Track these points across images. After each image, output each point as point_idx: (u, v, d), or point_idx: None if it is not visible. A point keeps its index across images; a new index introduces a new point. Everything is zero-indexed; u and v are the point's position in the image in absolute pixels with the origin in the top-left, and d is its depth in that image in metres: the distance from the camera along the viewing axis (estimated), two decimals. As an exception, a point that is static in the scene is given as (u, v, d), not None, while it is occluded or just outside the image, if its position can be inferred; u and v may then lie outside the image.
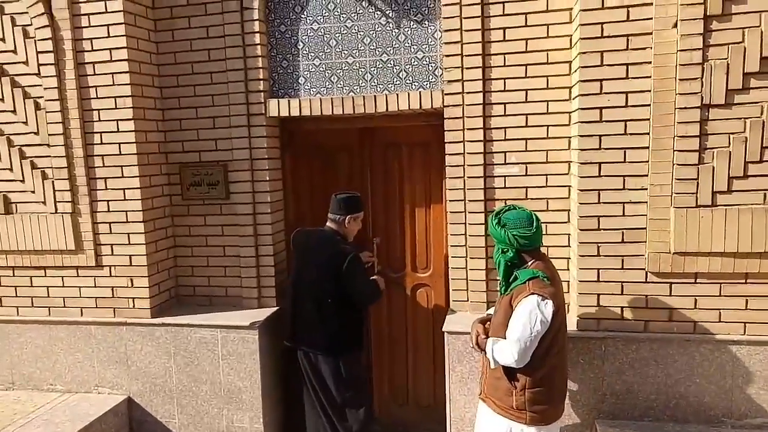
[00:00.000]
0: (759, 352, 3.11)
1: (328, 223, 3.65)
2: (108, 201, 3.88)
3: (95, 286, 4.00)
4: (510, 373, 2.74)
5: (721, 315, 3.12)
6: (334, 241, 3.58)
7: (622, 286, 3.22)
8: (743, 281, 3.07)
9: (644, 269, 3.17)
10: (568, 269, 3.54)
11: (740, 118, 2.95)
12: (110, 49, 3.74)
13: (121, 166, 3.84)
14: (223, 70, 3.91)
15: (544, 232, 3.43)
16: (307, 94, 3.95)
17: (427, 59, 3.74)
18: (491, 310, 3.17)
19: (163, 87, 4.05)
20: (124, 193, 3.86)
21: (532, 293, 2.62)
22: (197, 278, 4.17)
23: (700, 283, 3.12)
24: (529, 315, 2.60)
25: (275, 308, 4.01)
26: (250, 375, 3.83)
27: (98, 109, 3.81)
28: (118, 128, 3.81)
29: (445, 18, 3.52)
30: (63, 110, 3.82)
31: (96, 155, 3.85)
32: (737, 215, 2.98)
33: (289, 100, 3.89)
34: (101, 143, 3.84)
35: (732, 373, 3.15)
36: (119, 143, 3.82)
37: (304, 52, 3.93)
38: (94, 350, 4.05)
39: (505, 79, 3.48)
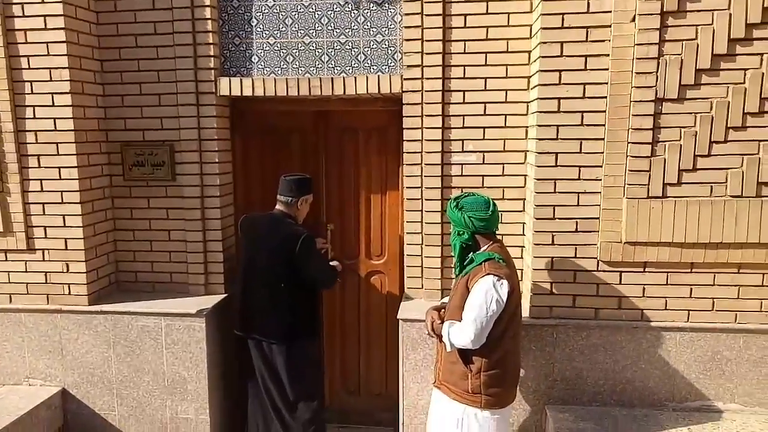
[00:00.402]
0: (700, 338, 3.27)
1: (277, 206, 3.55)
2: (41, 180, 3.65)
3: (26, 271, 3.76)
4: (465, 356, 2.78)
5: (667, 303, 3.27)
6: (285, 223, 3.48)
7: (574, 275, 3.31)
8: (689, 270, 3.22)
9: (596, 258, 3.27)
10: (522, 257, 3.61)
11: (691, 113, 3.07)
12: (45, 16, 3.50)
13: (56, 143, 3.61)
14: (170, 45, 3.73)
15: (499, 221, 3.52)
16: (261, 74, 3.82)
17: (386, 43, 3.70)
18: (446, 299, 3.20)
19: (103, 60, 3.82)
20: (60, 172, 3.63)
21: (488, 273, 2.67)
22: (139, 263, 3.99)
23: (649, 272, 3.25)
24: (485, 295, 2.65)
25: (223, 295, 3.89)
26: (196, 365, 3.71)
27: (30, 81, 3.57)
28: (53, 102, 3.58)
29: (406, 1, 3.49)
30: (-10, 80, 3.55)
31: (28, 130, 3.61)
32: (685, 207, 3.12)
33: (241, 79, 3.75)
34: (34, 117, 3.60)
35: (675, 359, 3.30)
36: (54, 118, 3.59)
37: (258, 29, 3.80)
38: (25, 339, 3.82)
39: (464, 66, 3.49)
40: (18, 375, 3.87)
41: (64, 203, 3.65)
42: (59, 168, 3.63)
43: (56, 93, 3.56)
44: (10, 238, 3.71)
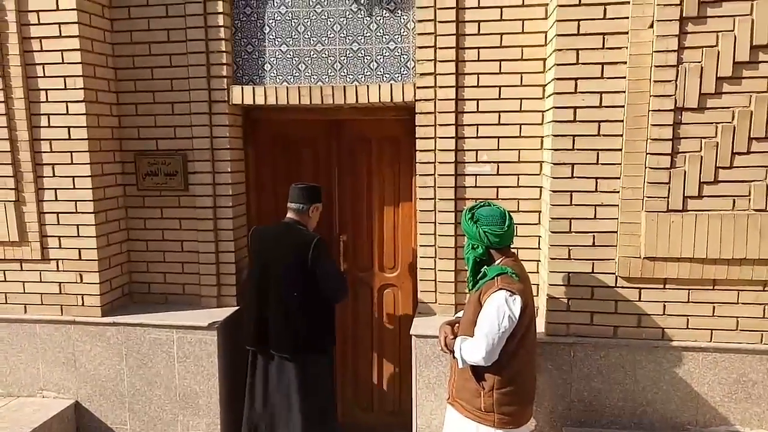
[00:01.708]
0: (724, 359, 3.35)
1: (288, 214, 3.65)
2: (56, 189, 3.93)
3: (41, 281, 4.04)
4: (478, 373, 2.88)
5: (689, 321, 3.35)
6: (297, 229, 3.61)
7: (592, 291, 3.42)
8: (711, 288, 3.31)
9: (614, 273, 3.38)
10: (537, 272, 3.74)
11: (712, 123, 3.16)
12: (60, 24, 3.76)
13: (71, 152, 3.88)
14: (183, 53, 3.98)
15: (515, 234, 3.64)
16: (273, 82, 4.05)
17: (399, 50, 3.88)
18: (460, 313, 3.31)
19: (117, 68, 4.10)
20: (74, 181, 3.91)
21: (501, 289, 2.77)
22: (152, 274, 4.25)
23: (669, 288, 3.34)
24: (497, 311, 2.75)
25: (235, 308, 4.12)
26: (208, 379, 3.94)
27: (46, 89, 3.84)
28: (67, 110, 3.85)
29: (419, 8, 3.66)
30: (5, 88, 3.83)
31: (43, 139, 3.88)
32: (707, 221, 3.21)
33: (253, 88, 3.98)
34: (48, 126, 3.87)
35: (698, 381, 3.38)
36: (68, 127, 3.86)
37: (271, 37, 4.02)
38: (39, 350, 4.11)
39: (478, 74, 3.64)
40: (32, 387, 4.16)
41: (78, 213, 3.92)
42: (73, 177, 3.90)
43: (70, 101, 3.83)
44: (26, 248, 3.99)
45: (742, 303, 3.29)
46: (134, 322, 3.98)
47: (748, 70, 3.09)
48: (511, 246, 3.03)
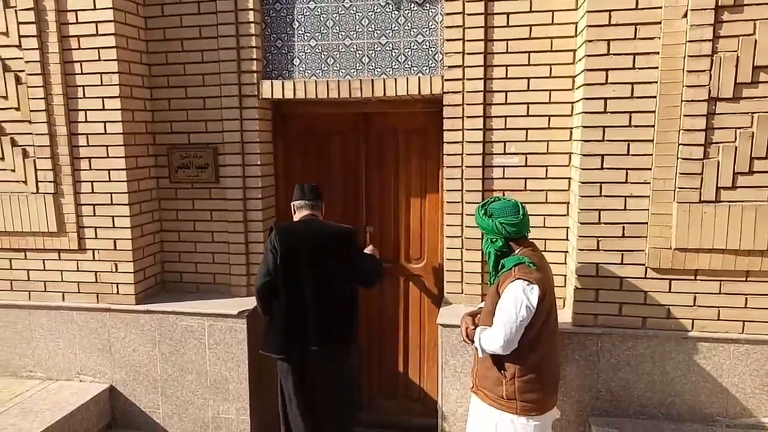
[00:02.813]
0: (756, 351, 3.14)
1: (306, 212, 3.44)
2: (92, 182, 3.83)
3: (78, 270, 3.95)
4: (499, 362, 2.77)
5: (720, 313, 3.15)
6: (327, 223, 3.48)
7: (621, 282, 3.23)
8: (744, 279, 3.10)
9: (644, 265, 3.19)
10: (565, 263, 3.55)
11: (748, 113, 2.95)
12: (96, 22, 3.67)
13: (107, 146, 3.78)
14: (214, 49, 3.85)
15: (543, 225, 3.47)
16: (302, 76, 3.89)
17: (427, 43, 3.70)
18: (482, 304, 3.18)
19: (151, 64, 3.98)
20: (109, 174, 3.80)
21: (518, 278, 2.65)
22: (184, 264, 4.13)
23: (700, 280, 3.14)
24: (515, 300, 2.63)
25: (264, 296, 3.98)
26: (238, 365, 3.81)
27: (83, 86, 3.75)
28: (103, 106, 3.75)
29: (447, 1, 3.48)
30: (45, 85, 3.75)
31: (80, 134, 3.79)
32: (741, 212, 3.00)
33: (283, 82, 3.83)
34: (86, 121, 3.77)
35: (728, 372, 3.18)
36: (104, 122, 3.76)
37: (300, 32, 3.87)
38: (76, 336, 4.01)
39: (507, 66, 3.46)
40: (69, 371, 4.07)
41: (114, 204, 3.82)
42: (109, 170, 3.80)
43: (106, 97, 3.74)
44: (63, 238, 3.90)
45: (776, 295, 3.08)
46: (167, 309, 3.87)
47: (786, 58, 2.88)
48: (528, 236, 2.88)
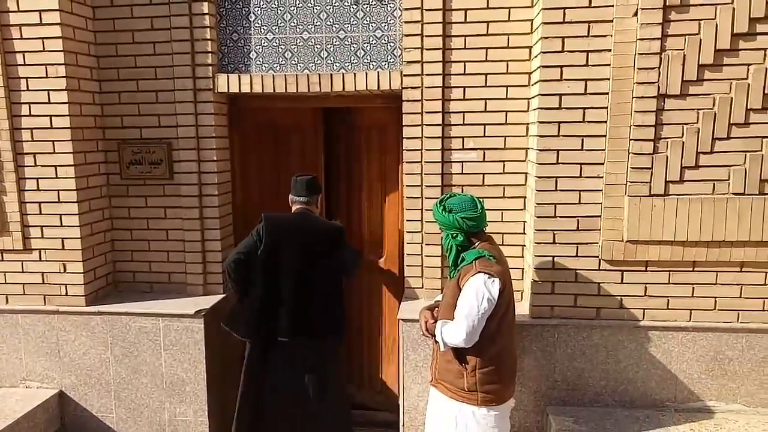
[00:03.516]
0: (702, 338, 3.28)
1: (298, 206, 3.47)
2: (37, 179, 3.66)
3: (23, 272, 3.77)
4: (460, 355, 2.79)
5: (669, 302, 3.27)
6: (320, 219, 3.55)
7: (576, 274, 3.31)
8: (691, 269, 3.23)
9: (597, 257, 3.27)
10: (522, 256, 3.61)
11: (694, 109, 3.07)
12: (40, 11, 3.50)
13: (53, 141, 3.61)
14: (167, 41, 3.73)
15: (500, 220, 3.53)
16: (259, 70, 3.82)
17: (386, 38, 3.69)
18: (439, 297, 3.22)
19: (99, 56, 3.83)
20: (56, 171, 3.64)
21: (479, 272, 2.68)
22: (137, 263, 3.99)
23: (651, 271, 3.25)
24: (476, 293, 2.66)
25: (221, 295, 3.90)
26: (195, 366, 3.72)
27: (26, 77, 3.57)
28: (49, 99, 3.58)
29: (405, -4, 3.49)
30: (-16, 76, 3.56)
31: (24, 128, 3.61)
32: (688, 205, 3.12)
33: (239, 76, 3.75)
34: (30, 115, 3.60)
35: (677, 359, 3.31)
36: (50, 115, 3.59)
37: (257, 24, 3.79)
38: (21, 341, 3.83)
39: (465, 62, 3.49)
40: (14, 377, 3.88)
41: (61, 202, 3.66)
42: (56, 166, 3.64)
43: (52, 90, 3.57)
44: (6, 238, 3.71)
45: (720, 283, 3.21)
46: (120, 310, 3.73)
47: (729, 57, 3.00)
48: (486, 229, 2.92)
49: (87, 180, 3.76)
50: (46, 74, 3.56)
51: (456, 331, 2.70)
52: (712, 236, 3.13)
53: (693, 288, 3.24)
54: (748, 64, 3.01)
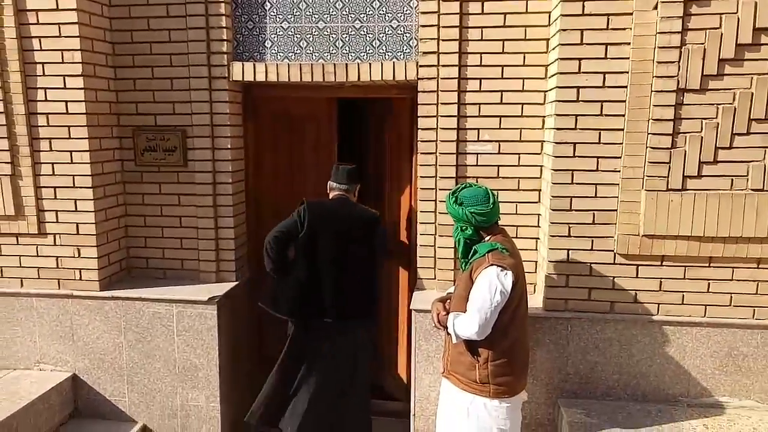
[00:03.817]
0: (717, 333, 3.26)
1: (337, 193, 3.64)
2: (53, 164, 3.67)
3: (37, 255, 3.79)
4: (472, 347, 2.79)
5: (684, 297, 3.25)
6: (360, 206, 3.69)
7: (590, 268, 3.30)
8: (707, 265, 3.20)
9: (613, 251, 3.26)
10: (536, 249, 3.60)
11: (713, 104, 3.03)
12: (57, -2, 3.49)
13: (68, 126, 3.62)
14: (182, 28, 3.72)
15: (515, 212, 3.51)
16: (274, 59, 3.81)
17: (402, 29, 3.67)
18: (451, 289, 3.21)
19: (115, 43, 3.82)
20: (71, 156, 3.65)
21: (492, 264, 2.67)
22: (150, 250, 4.01)
23: (666, 265, 3.23)
24: (489, 286, 2.65)
25: (234, 283, 3.92)
26: (208, 352, 3.74)
27: (42, 63, 3.57)
28: (65, 84, 3.58)
29: (422, -14, 3.46)
30: (1, 61, 3.56)
31: (40, 113, 3.62)
32: (705, 200, 3.09)
33: (254, 64, 3.74)
34: (45, 100, 3.60)
35: (691, 354, 3.30)
36: (66, 101, 3.59)
37: (272, 13, 3.78)
38: (36, 324, 3.86)
39: (481, 53, 3.46)
40: (29, 360, 3.92)
41: (76, 187, 3.67)
42: (71, 152, 3.64)
43: (68, 75, 3.57)
44: (22, 222, 3.73)
45: (736, 279, 3.19)
46: (133, 296, 3.75)
47: (750, 52, 2.96)
48: (499, 222, 2.91)
49: (102, 166, 3.77)
50: (62, 60, 3.56)
51: (468, 324, 2.70)
52: (729, 232, 3.10)
53: (708, 283, 3.22)
54: (770, 59, 2.98)
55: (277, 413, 3.57)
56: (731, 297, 3.22)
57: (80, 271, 3.77)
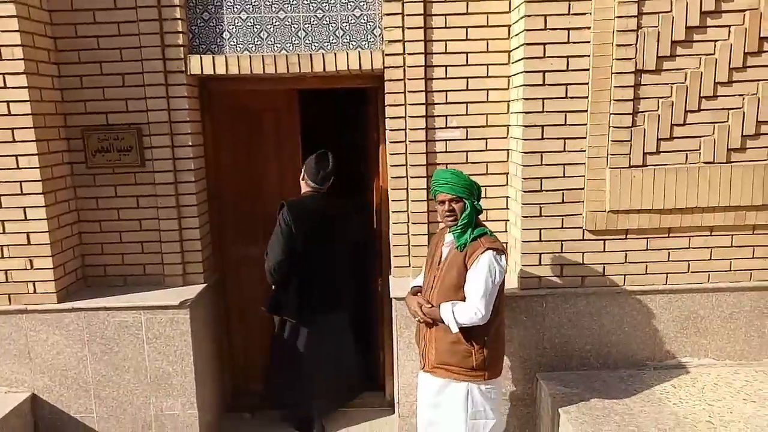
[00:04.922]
0: (677, 299, 3.48)
1: (311, 191, 3.73)
2: (-4, 170, 3.39)
3: (-16, 270, 3.49)
4: (468, 334, 2.79)
5: (647, 267, 3.45)
6: (333, 198, 3.82)
7: (561, 245, 3.42)
8: (666, 235, 3.41)
9: (582, 227, 3.40)
10: (506, 231, 3.70)
11: (668, 84, 3.22)
12: (-12, -12, 3.20)
13: (12, 129, 3.34)
14: (133, 20, 3.52)
15: (484, 196, 3.58)
16: (233, 51, 3.68)
17: (365, 17, 3.64)
18: (416, 280, 3.23)
19: (57, 37, 3.56)
20: (17, 161, 3.38)
21: (488, 248, 2.74)
22: (108, 256, 3.78)
23: (630, 238, 3.41)
24: (489, 269, 2.72)
25: (203, 285, 3.77)
26: (181, 358, 3.58)
27: (-22, 61, 3.28)
28: (5, 83, 3.31)
29: (385, -26, 3.45)
30: (-67, 62, 3.24)
31: (-21, 116, 3.33)
32: (664, 174, 3.28)
33: (213, 57, 3.60)
34: (-16, 102, 3.32)
35: (655, 321, 3.50)
36: (8, 101, 3.32)
37: (229, 3, 3.64)
38: (-14, 344, 3.56)
39: (446, 41, 3.50)
40: (-21, 382, 3.61)
41: (25, 194, 3.40)
42: (16, 156, 3.37)
43: (9, 74, 3.30)
44: (-36, 235, 3.43)
45: (693, 247, 3.41)
46: (96, 306, 3.53)
47: (698, 34, 3.17)
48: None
49: (51, 170, 3.51)
50: (1, 56, 3.29)
51: (474, 309, 2.69)
52: (685, 203, 3.31)
53: (669, 253, 3.43)
54: (715, 41, 3.19)
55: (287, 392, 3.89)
56: (689, 264, 3.44)
57: (34, 284, 3.51)
